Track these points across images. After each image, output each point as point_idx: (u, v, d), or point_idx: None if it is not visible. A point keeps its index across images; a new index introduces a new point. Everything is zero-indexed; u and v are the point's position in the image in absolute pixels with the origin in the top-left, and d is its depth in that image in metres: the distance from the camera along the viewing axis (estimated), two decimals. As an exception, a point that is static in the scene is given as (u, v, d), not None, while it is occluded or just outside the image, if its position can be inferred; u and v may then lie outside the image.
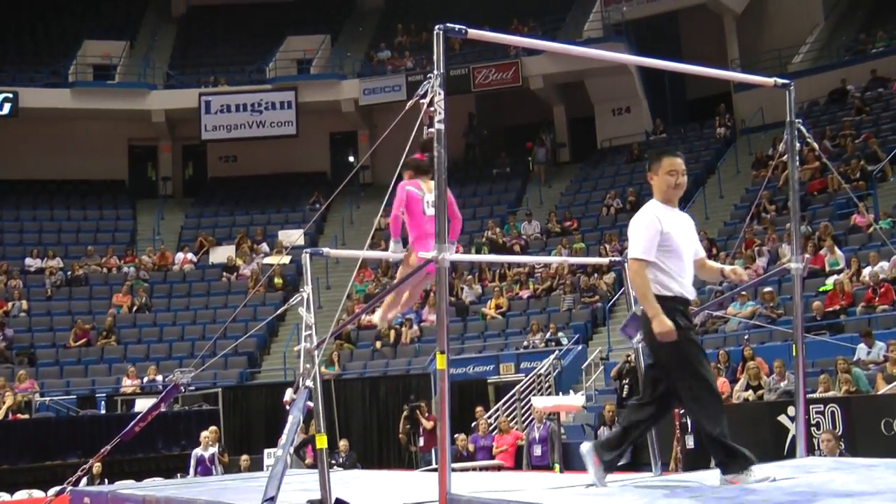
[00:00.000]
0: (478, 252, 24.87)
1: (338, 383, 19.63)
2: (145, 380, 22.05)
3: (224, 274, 27.19)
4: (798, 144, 7.53)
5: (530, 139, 30.35)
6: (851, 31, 30.56)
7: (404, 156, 6.53)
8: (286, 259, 26.34)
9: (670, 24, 32.36)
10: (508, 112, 33.28)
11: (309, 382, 6.57)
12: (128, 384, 21.95)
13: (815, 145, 8.68)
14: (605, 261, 10.61)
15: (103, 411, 20.28)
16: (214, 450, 16.47)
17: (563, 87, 30.88)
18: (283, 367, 23.35)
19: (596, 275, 22.85)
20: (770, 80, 7.54)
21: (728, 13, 30.40)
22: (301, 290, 6.90)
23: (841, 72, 27.93)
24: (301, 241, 26.57)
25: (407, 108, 5.89)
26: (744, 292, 18.60)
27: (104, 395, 21.20)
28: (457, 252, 6.15)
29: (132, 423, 9.67)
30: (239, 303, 24.01)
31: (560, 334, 21.24)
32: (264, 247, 28.07)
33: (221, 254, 28.07)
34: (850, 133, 24.36)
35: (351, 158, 33.60)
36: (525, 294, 23.65)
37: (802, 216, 20.94)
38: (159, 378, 21.69)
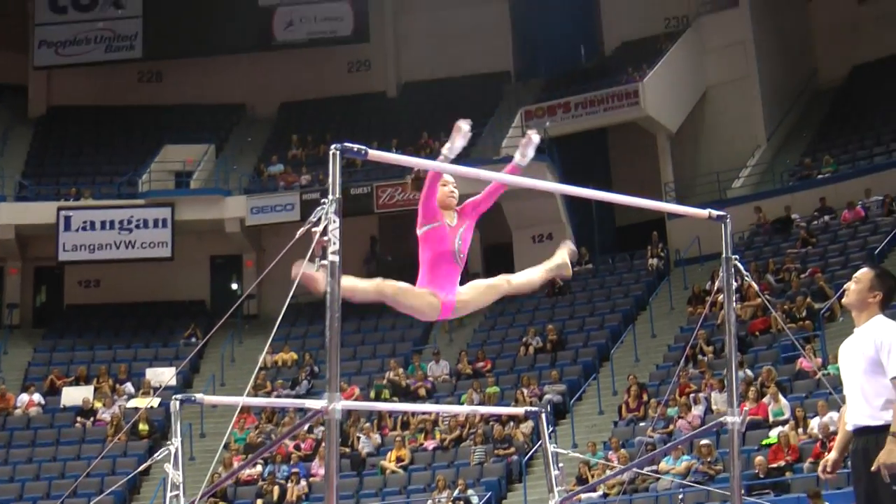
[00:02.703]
0: (377, 395, 24.81)
1: (210, 550, 19.18)
2: (-21, 546, 21.26)
3: (78, 419, 26.47)
4: (739, 280, 7.78)
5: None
6: (796, 154, 31.73)
7: (293, 286, 6.46)
8: (154, 402, 25.87)
9: (599, 141, 33.28)
10: (416, 237, 33.55)
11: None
12: (-42, 550, 21.13)
13: (754, 285, 9.03)
14: (520, 411, 10.66)
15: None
16: None
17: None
18: (146, 530, 22.78)
19: (512, 424, 22.87)
20: (704, 212, 7.79)
21: (662, 131, 31.39)
22: (169, 441, 6.82)
23: (785, 198, 28.88)
24: (173, 382, 26.18)
25: (298, 236, 5.94)
26: (679, 446, 18.78)
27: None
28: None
29: None
30: (95, 454, 23.43)
31: (470, 492, 21.11)
32: (128, 387, 27.51)
33: (76, 395, 27.34)
34: (795, 267, 25.08)
35: (234, 286, 33.46)
36: (430, 445, 23.54)
37: (744, 359, 21.47)
38: (-4, 544, 20.95)
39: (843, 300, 6.66)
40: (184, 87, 36.26)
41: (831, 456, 6.58)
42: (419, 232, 7.05)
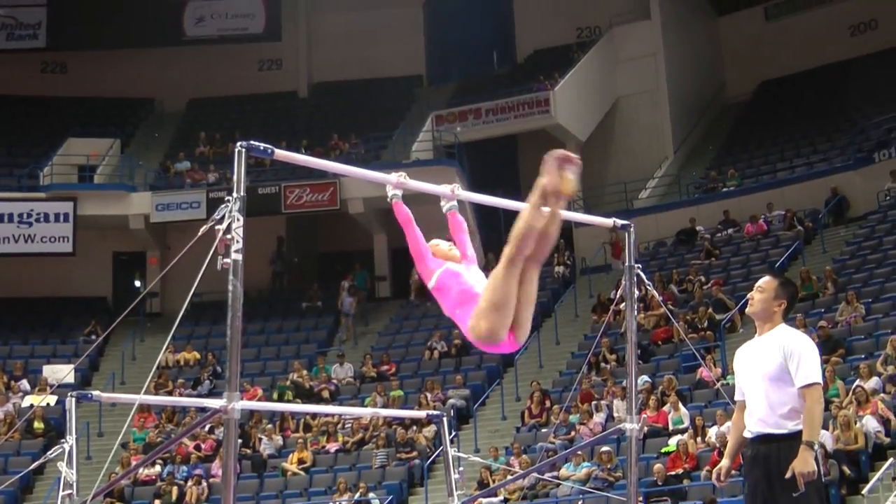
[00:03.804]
0: (280, 397, 24.68)
1: (105, 550, 18.91)
2: None
3: (-30, 416, 25.94)
4: (642, 289, 7.88)
5: (347, 270, 30.53)
6: (702, 167, 32.26)
7: (195, 285, 6.41)
8: (51, 400, 25.41)
9: (509, 147, 33.49)
10: (323, 238, 33.48)
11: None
12: None
13: (656, 294, 9.20)
14: (421, 414, 10.70)
15: None
16: None
17: (386, 214, 31.29)
18: (39, 530, 22.37)
19: (414, 427, 22.90)
20: (609, 222, 7.91)
21: (571, 140, 31.62)
22: (63, 439, 6.72)
23: (690, 210, 29.32)
24: (71, 379, 25.74)
25: (200, 233, 5.89)
26: (579, 452, 18.96)
27: None
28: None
29: None
30: (-13, 452, 23.00)
31: (371, 495, 21.08)
32: (24, 384, 27.00)
33: (-32, 391, 26.82)
34: (699, 278, 25.45)
35: (137, 283, 33.04)
36: (333, 447, 23.48)
37: (645, 367, 21.75)
38: None
39: (748, 309, 6.63)
40: (89, 79, 35.69)
41: (724, 463, 6.63)
42: (431, 285, 6.57)
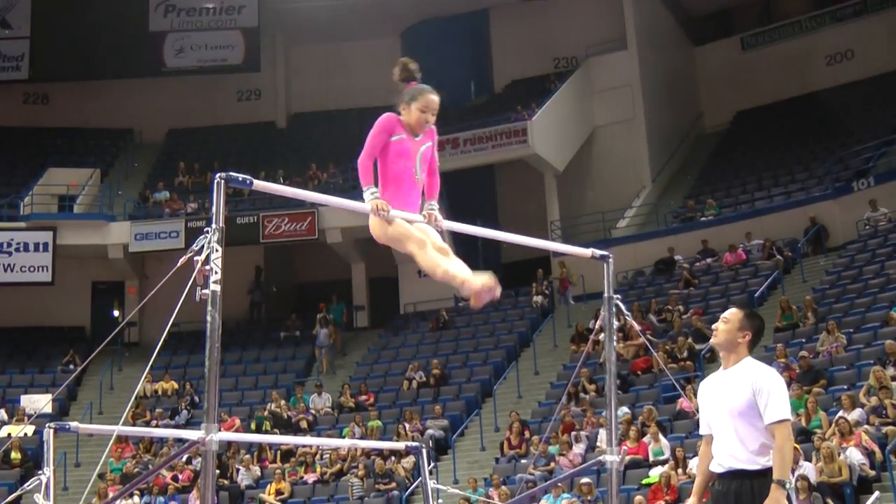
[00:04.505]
0: (258, 427, 24.56)
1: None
2: None
3: (-53, 447, 25.76)
4: (621, 319, 7.85)
5: (325, 300, 30.46)
6: (680, 196, 32.33)
7: (173, 314, 6.36)
8: (28, 429, 25.22)
9: (487, 177, 33.50)
10: (302, 267, 33.40)
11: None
12: None
13: (635, 324, 9.19)
14: (400, 446, 10.63)
15: None
16: None
17: (364, 243, 31.24)
18: (15, 562, 22.11)
19: (393, 458, 22.78)
20: (587, 252, 7.87)
21: (549, 170, 31.71)
22: (41, 470, 6.64)
23: (669, 240, 29.33)
24: (48, 409, 25.57)
25: (178, 264, 5.85)
26: (560, 484, 18.87)
27: None
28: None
29: None
30: (-36, 483, 22.79)
31: (350, 527, 20.98)
32: (1, 414, 26.88)
33: (-55, 421, 26.66)
34: (678, 308, 25.46)
35: (116, 313, 32.90)
36: (311, 478, 23.34)
37: (625, 398, 21.69)
38: None
39: (712, 340, 6.58)
40: (70, 110, 35.73)
41: (691, 501, 6.48)
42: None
